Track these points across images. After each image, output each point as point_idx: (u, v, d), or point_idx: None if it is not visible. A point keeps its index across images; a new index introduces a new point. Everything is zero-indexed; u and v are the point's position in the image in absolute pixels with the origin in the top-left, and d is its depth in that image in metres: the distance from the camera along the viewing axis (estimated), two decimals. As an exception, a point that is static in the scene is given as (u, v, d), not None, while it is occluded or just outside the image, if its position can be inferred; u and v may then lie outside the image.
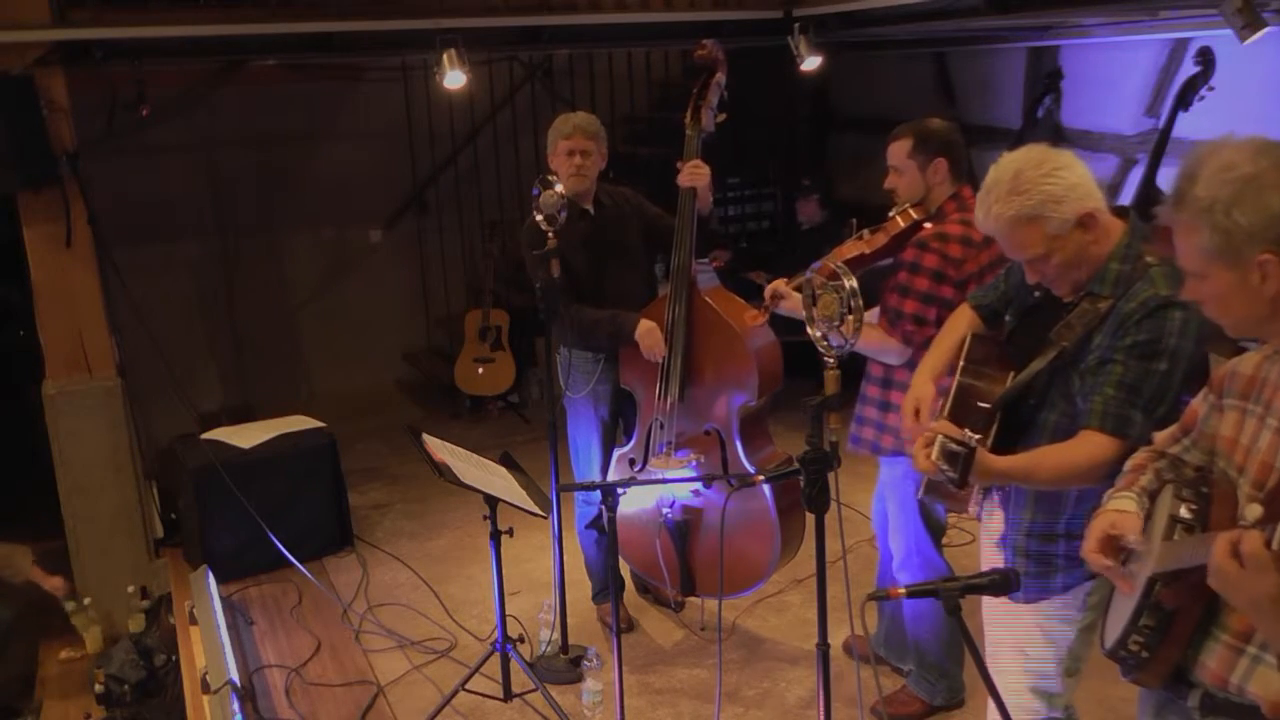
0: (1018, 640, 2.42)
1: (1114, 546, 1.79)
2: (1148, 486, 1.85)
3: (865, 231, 3.26)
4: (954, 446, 2.09)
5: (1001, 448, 2.25)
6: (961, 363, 2.41)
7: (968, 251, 3.06)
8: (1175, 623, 1.65)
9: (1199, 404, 1.83)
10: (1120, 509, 1.83)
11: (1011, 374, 2.31)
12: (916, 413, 2.46)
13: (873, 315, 3.07)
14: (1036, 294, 2.39)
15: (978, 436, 2.14)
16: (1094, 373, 2.18)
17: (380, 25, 5.03)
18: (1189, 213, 1.61)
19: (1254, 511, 1.45)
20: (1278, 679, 1.53)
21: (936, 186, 3.18)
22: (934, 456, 2.14)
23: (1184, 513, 1.65)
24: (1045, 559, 2.33)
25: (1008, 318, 2.49)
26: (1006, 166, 2.21)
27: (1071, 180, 2.17)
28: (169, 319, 6.02)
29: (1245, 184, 1.55)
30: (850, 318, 2.39)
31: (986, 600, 2.43)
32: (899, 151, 3.22)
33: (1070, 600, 2.33)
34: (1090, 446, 2.15)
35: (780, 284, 3.23)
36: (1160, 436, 1.94)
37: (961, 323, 2.60)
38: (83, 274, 4.51)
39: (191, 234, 6.51)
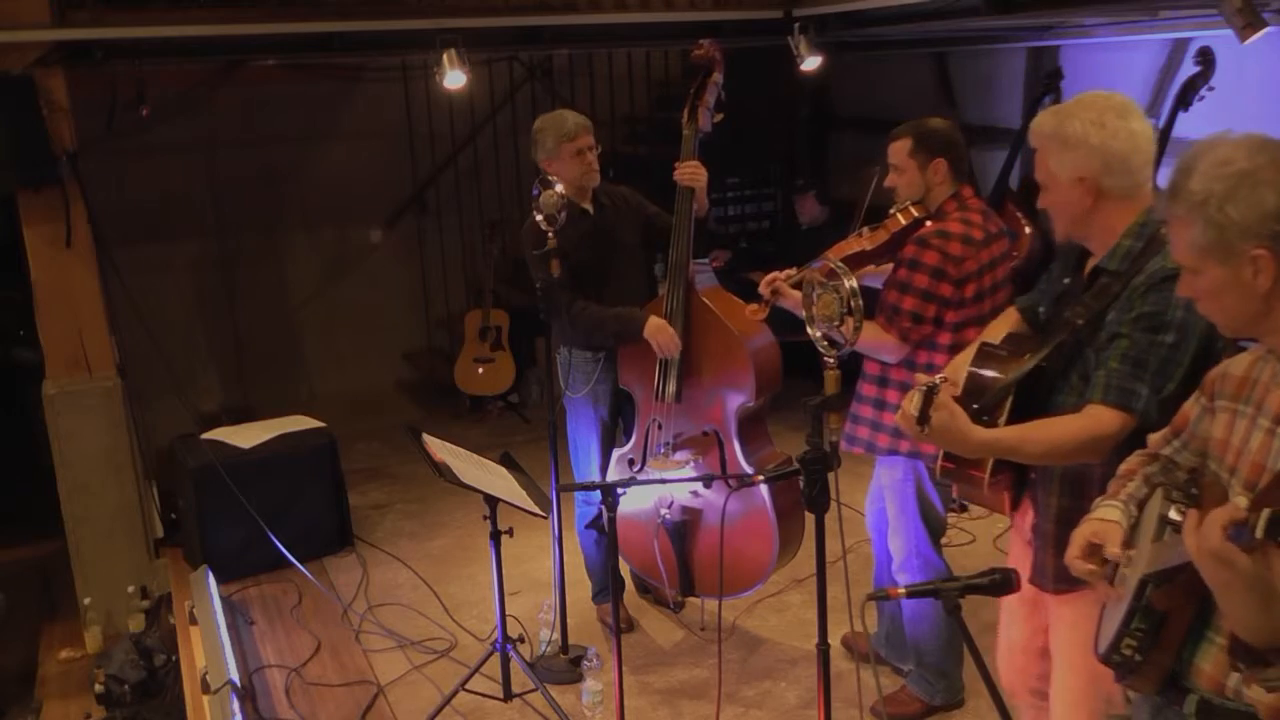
0: (1070, 652, 2.35)
1: (1099, 554, 1.79)
2: (1135, 494, 1.84)
3: (865, 229, 3.27)
4: (923, 387, 2.08)
5: None
6: (980, 347, 2.38)
7: (967, 250, 3.06)
8: (1167, 625, 1.65)
9: (1191, 406, 1.83)
10: (1103, 518, 1.83)
11: (1029, 356, 2.28)
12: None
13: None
14: (1066, 280, 2.37)
15: (943, 377, 2.11)
16: (1104, 348, 2.16)
17: (380, 25, 5.03)
18: (1183, 207, 1.61)
19: (1241, 503, 1.45)
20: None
21: (936, 186, 3.19)
22: (910, 403, 2.10)
23: (1174, 514, 1.65)
24: None
25: (1041, 309, 2.46)
26: (1084, 94, 2.24)
27: (1094, 140, 2.15)
28: (169, 319, 6.02)
29: (1240, 179, 1.55)
30: (850, 318, 2.38)
31: (1053, 626, 2.39)
32: (899, 151, 3.22)
33: None
34: (1090, 419, 2.12)
35: (779, 277, 3.22)
36: (1153, 439, 1.94)
37: (1005, 323, 2.56)
38: (83, 274, 4.51)
39: (191, 234, 6.50)
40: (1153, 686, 1.72)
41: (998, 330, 2.55)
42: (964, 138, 3.28)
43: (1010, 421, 2.23)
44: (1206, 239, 1.59)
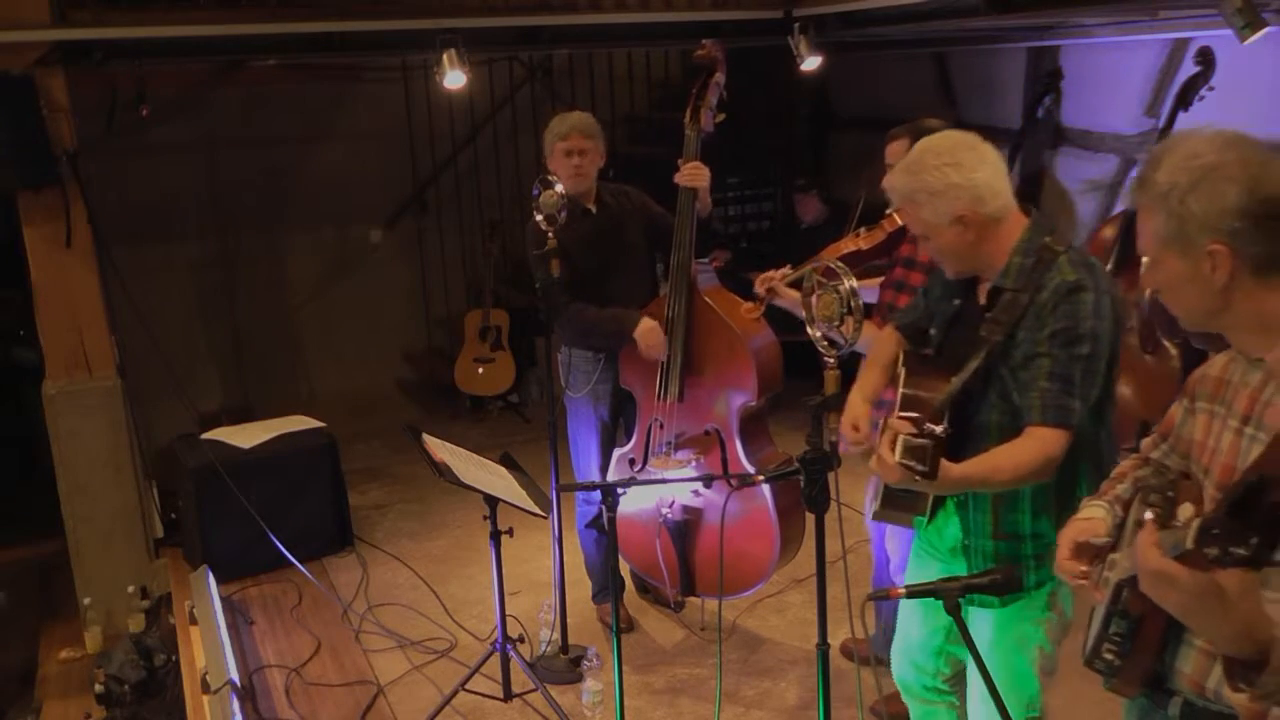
0: (993, 656, 2.36)
1: (1088, 553, 1.80)
2: (1122, 495, 1.84)
3: (861, 230, 3.27)
4: (917, 441, 2.07)
5: (951, 454, 2.22)
6: (902, 375, 2.41)
7: None
8: (1144, 628, 1.64)
9: (1176, 409, 1.84)
10: (1088, 517, 1.83)
11: (950, 380, 2.30)
12: (856, 429, 2.45)
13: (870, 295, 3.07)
14: (956, 302, 2.41)
15: (941, 427, 2.13)
16: (1024, 368, 2.21)
17: (380, 25, 5.03)
18: (1148, 196, 1.62)
19: (1186, 511, 1.45)
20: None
21: None
22: (898, 456, 2.10)
23: (1148, 516, 1.65)
24: (1015, 558, 2.31)
25: (932, 332, 2.49)
26: (922, 143, 2.30)
27: (956, 179, 2.21)
28: (169, 319, 6.01)
29: (1206, 172, 1.55)
30: (849, 318, 2.39)
31: (978, 632, 2.39)
32: (897, 151, 3.23)
33: (1035, 600, 2.33)
34: (1038, 442, 2.17)
35: (774, 277, 3.22)
36: (1145, 442, 1.94)
37: (889, 344, 2.61)
38: (83, 274, 4.51)
39: (192, 234, 6.50)
40: (1134, 689, 1.72)
41: (885, 349, 2.59)
42: None
43: (948, 445, 2.24)
44: (1167, 230, 1.59)
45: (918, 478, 2.09)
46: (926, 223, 2.27)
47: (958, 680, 2.64)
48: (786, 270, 3.24)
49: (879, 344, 2.66)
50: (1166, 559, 1.40)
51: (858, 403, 2.51)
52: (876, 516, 2.49)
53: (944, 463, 2.11)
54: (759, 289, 3.26)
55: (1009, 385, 2.24)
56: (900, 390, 2.38)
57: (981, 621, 2.37)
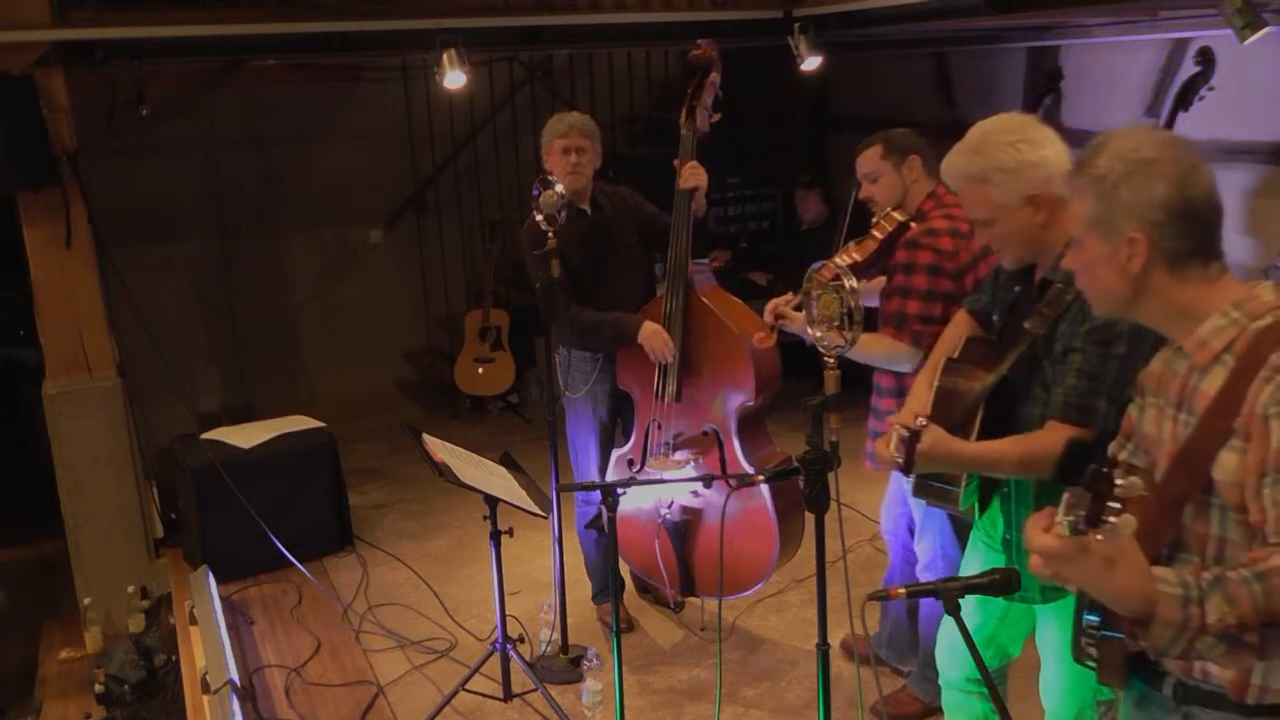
0: (1060, 648, 2.39)
1: None
2: None
3: (852, 243, 3.25)
4: (903, 432, 2.11)
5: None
6: (945, 363, 2.40)
7: (958, 242, 3.05)
8: (1111, 617, 1.66)
9: (1133, 409, 1.86)
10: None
11: (990, 373, 2.31)
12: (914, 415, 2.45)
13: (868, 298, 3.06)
14: (1016, 289, 2.40)
15: (923, 421, 2.14)
16: (1060, 362, 2.20)
17: (380, 25, 5.03)
18: (1084, 179, 1.69)
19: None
20: (1238, 661, 1.55)
21: (914, 185, 3.19)
22: (892, 446, 2.14)
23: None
24: None
25: (995, 318, 2.49)
26: (983, 124, 2.28)
27: (1031, 158, 2.19)
28: (169, 319, 6.02)
29: (1140, 164, 1.63)
30: (849, 319, 2.39)
31: (1043, 626, 2.44)
32: (871, 157, 3.23)
33: None
34: (1055, 436, 2.17)
35: (782, 304, 3.20)
36: (1111, 446, 1.96)
37: (960, 328, 2.60)
38: (83, 274, 4.51)
39: (191, 234, 6.50)
40: (1119, 679, 1.74)
41: (954, 336, 2.57)
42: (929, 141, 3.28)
43: (982, 433, 2.26)
44: (1095, 213, 1.67)
45: (901, 472, 2.12)
46: (995, 204, 2.23)
47: (999, 676, 2.65)
48: (790, 295, 3.22)
49: (950, 326, 2.64)
50: (1041, 536, 1.50)
51: (922, 384, 2.47)
52: (928, 504, 2.50)
53: (944, 446, 2.14)
54: (768, 319, 3.24)
55: (1049, 378, 2.23)
56: (938, 380, 2.38)
57: (1048, 615, 2.40)
